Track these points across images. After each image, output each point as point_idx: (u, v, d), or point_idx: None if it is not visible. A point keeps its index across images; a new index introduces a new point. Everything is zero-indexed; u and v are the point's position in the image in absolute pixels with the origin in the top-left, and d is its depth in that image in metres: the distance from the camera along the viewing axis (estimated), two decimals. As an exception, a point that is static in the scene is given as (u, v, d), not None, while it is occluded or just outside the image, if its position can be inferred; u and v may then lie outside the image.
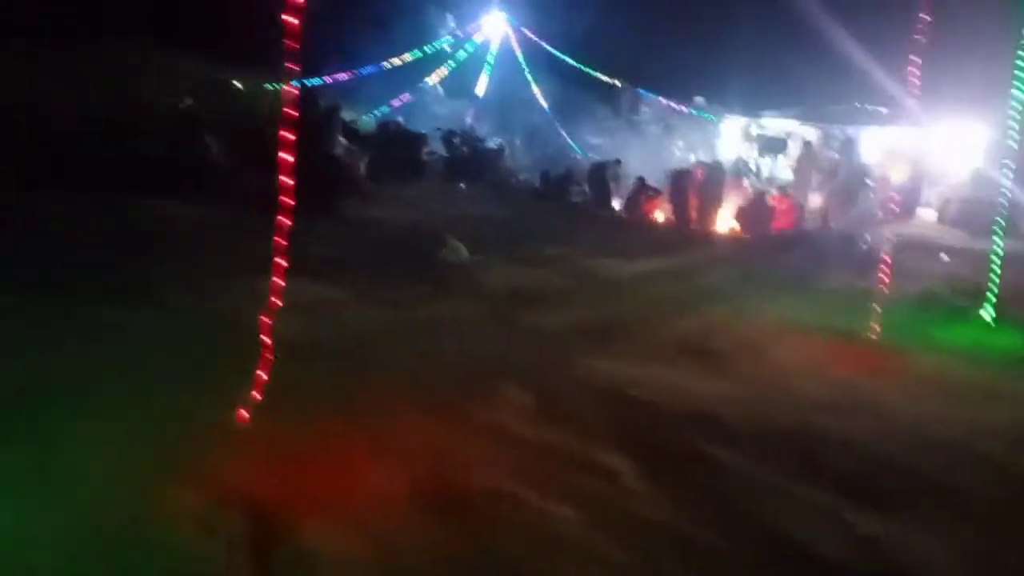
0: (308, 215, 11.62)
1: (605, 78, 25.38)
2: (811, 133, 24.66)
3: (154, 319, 5.96)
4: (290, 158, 4.16)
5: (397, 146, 17.76)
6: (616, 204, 15.45)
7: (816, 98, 24.61)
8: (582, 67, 25.16)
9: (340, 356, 5.64)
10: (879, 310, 7.27)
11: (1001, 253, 8.55)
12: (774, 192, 15.32)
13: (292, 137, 4.20)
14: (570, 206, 15.41)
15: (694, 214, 14.13)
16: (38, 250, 7.76)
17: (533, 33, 25.92)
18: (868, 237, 13.23)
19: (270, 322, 4.20)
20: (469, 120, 24.19)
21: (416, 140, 18.65)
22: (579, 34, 25.01)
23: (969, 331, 8.11)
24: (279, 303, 4.27)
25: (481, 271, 9.07)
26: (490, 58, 26.32)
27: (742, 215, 14.04)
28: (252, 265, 8.23)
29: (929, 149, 21.52)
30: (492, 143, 20.93)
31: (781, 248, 12.24)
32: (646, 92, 25.33)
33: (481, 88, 25.93)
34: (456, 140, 19.17)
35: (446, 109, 26.70)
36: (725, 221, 14.21)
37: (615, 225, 13.83)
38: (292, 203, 4.16)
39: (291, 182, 4.19)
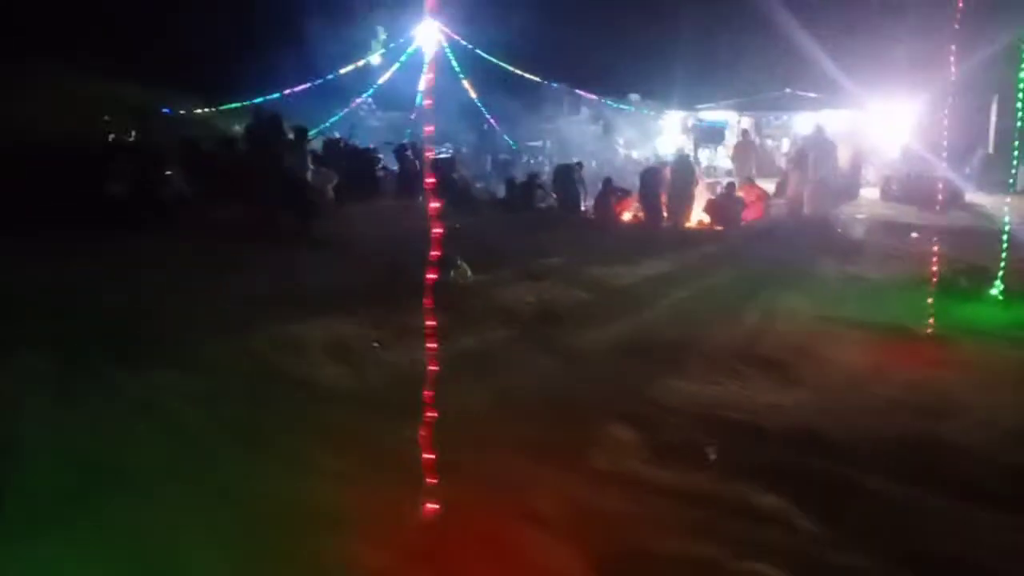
0: (288, 244, 11.22)
1: (541, 79, 25.18)
2: (746, 122, 25.00)
3: (193, 382, 5.35)
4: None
5: (351, 164, 17.14)
6: (583, 206, 15.18)
7: (750, 88, 24.92)
8: (518, 71, 24.91)
9: (407, 406, 5.14)
10: (930, 301, 7.05)
11: (1007, 231, 8.56)
12: (730, 182, 15.25)
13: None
14: (538, 212, 15.06)
15: (666, 211, 13.97)
16: (19, 300, 7.03)
17: (467, 40, 25.53)
18: (841, 221, 13.32)
19: (430, 394, 3.60)
20: (409, 131, 23.71)
21: (368, 156, 18.05)
22: (513, 37, 24.81)
23: (990, 310, 8.08)
24: (435, 367, 3.68)
25: (491, 291, 8.63)
26: (425, 67, 25.74)
27: (714, 209, 13.94)
28: (251, 301, 7.78)
29: (863, 130, 22.07)
30: (442, 153, 20.50)
31: (765, 239, 12.15)
32: (583, 92, 25.21)
33: (418, 98, 25.39)
34: (409, 153, 18.60)
35: (381, 122, 26.16)
36: (696, 215, 14.09)
37: (590, 228, 13.53)
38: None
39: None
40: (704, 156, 24.75)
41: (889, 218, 14.91)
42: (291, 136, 12.59)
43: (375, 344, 6.52)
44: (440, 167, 19.18)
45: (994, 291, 8.49)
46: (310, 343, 6.40)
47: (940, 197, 17.20)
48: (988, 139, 20.85)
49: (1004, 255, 8.50)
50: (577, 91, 25.10)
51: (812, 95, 24.00)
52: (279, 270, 9.12)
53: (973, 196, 18.22)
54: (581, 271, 9.72)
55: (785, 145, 24.67)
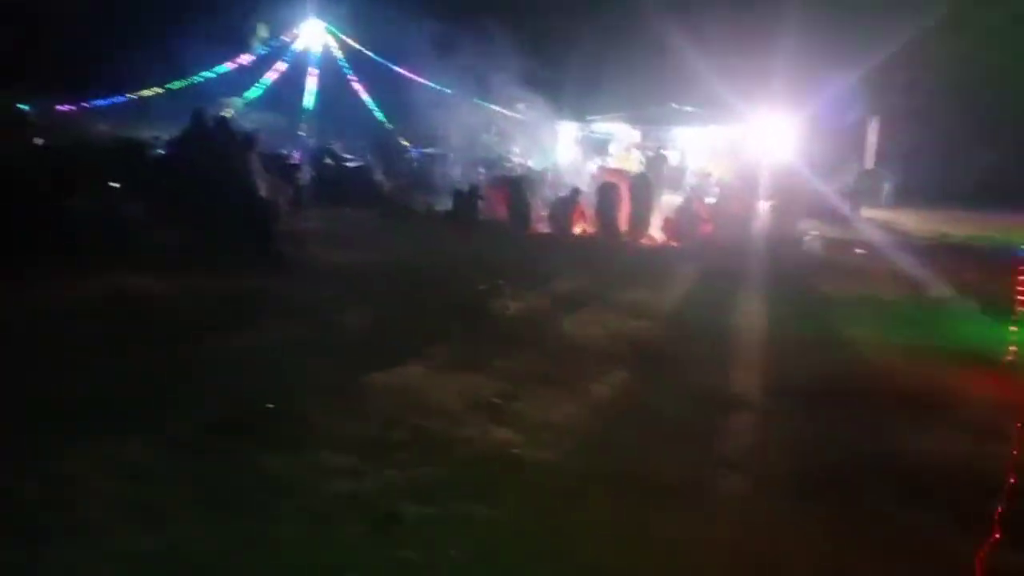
0: (258, 268, 9.72)
1: (436, 85, 24.25)
2: (635, 134, 25.26)
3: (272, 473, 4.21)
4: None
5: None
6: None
7: (638, 101, 25.20)
8: (411, 75, 23.90)
9: (619, 478, 4.32)
10: (1015, 330, 6.99)
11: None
12: (687, 198, 15.11)
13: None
14: (487, 226, 14.24)
15: (624, 226, 13.59)
16: None
17: (357, 42, 24.22)
18: (806, 238, 13.47)
19: None
20: (303, 135, 22.13)
21: (287, 163, 16.42)
22: (406, 42, 23.77)
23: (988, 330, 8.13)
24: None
25: (544, 322, 7.79)
26: (311, 68, 24.15)
27: (671, 224, 13.72)
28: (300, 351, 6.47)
29: (750, 144, 22.77)
30: (349, 160, 19.17)
31: (746, 257, 12.00)
32: (478, 99, 24.49)
33: (308, 100, 23.77)
34: (328, 160, 17.18)
35: (255, 124, 24.18)
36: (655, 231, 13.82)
37: (554, 244, 12.87)
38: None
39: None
40: (593, 166, 24.74)
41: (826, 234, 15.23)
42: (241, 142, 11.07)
43: (495, 400, 5.55)
44: (362, 175, 17.95)
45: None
46: (437, 402, 5.35)
47: (841, 212, 18.14)
48: (863, 156, 22.18)
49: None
50: (474, 99, 24.33)
51: (689, 109, 24.57)
52: (286, 311, 7.75)
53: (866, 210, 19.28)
54: (613, 296, 9.06)
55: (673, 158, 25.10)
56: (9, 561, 3.24)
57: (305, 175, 16.81)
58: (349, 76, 24.06)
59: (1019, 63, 23.03)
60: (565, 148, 24.95)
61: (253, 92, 23.26)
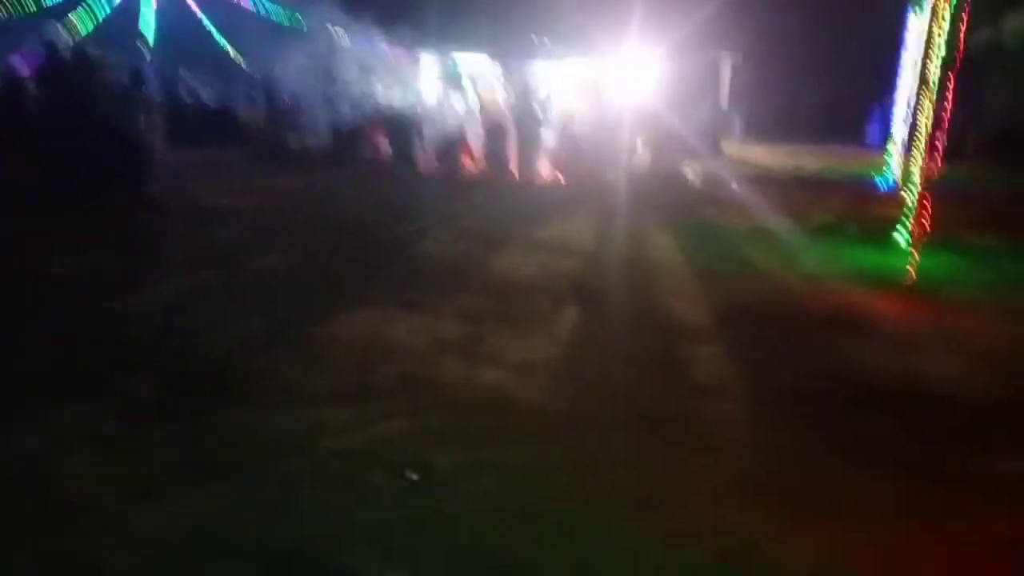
0: (139, 212, 8.87)
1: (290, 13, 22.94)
2: (496, 68, 24.97)
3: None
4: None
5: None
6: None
7: (501, 34, 24.85)
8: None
9: (611, 413, 4.32)
10: (915, 253, 7.48)
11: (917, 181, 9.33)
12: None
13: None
14: (372, 166, 13.77)
15: (513, 164, 13.50)
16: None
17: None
18: (689, 173, 13.88)
19: None
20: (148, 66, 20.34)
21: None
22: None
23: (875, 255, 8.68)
24: None
25: (473, 263, 7.62)
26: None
27: (556, 161, 13.75)
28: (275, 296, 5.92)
29: (611, 80, 23.05)
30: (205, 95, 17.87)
31: (634, 193, 12.23)
32: (338, 32, 23.34)
33: (149, 32, 21.86)
34: (183, 94, 15.88)
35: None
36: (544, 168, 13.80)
37: (447, 184, 12.61)
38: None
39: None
40: (456, 101, 24.32)
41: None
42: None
43: (464, 341, 5.39)
44: (221, 112, 16.76)
45: (900, 239, 9.29)
46: (402, 346, 5.14)
47: (704, 148, 18.84)
48: (721, 93, 23.04)
49: (911, 204, 9.29)
50: (334, 32, 23.15)
51: (548, 42, 24.52)
52: (195, 258, 7.17)
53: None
54: (524, 233, 9.00)
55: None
56: (8, 560, 2.80)
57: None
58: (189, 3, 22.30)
59: (853, 10, 24.61)
60: (428, 83, 24.37)
61: (84, 21, 21.11)
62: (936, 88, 9.81)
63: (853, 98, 24.58)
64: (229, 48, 22.18)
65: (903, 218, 9.35)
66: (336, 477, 3.45)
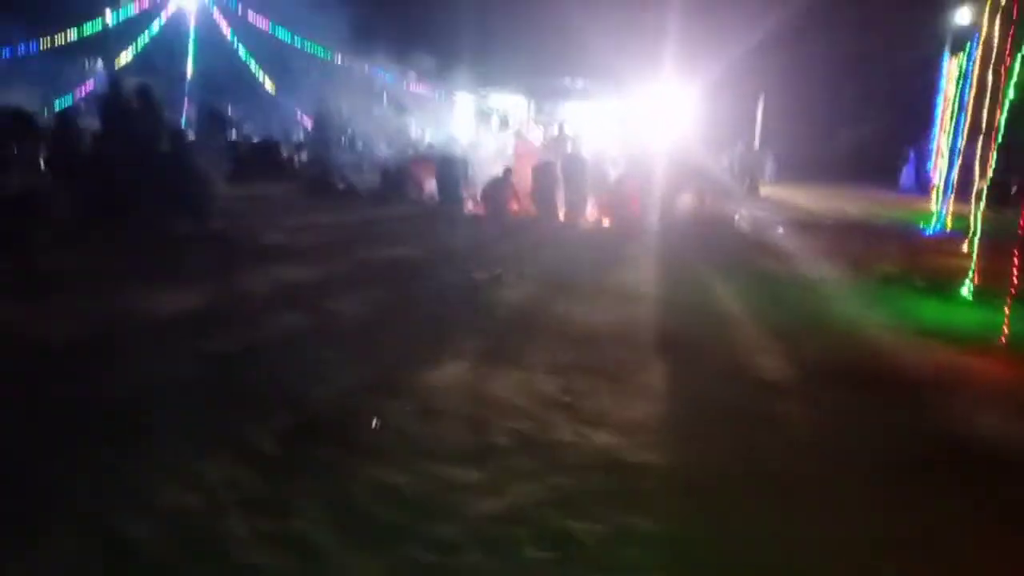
0: (200, 251, 8.94)
1: (328, 55, 23.27)
2: (528, 108, 25.23)
3: None
4: None
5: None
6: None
7: (533, 74, 25.15)
8: (302, 46, 22.84)
9: (731, 475, 4.28)
10: (1007, 311, 7.35)
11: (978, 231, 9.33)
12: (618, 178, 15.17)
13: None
14: (418, 206, 13.86)
15: (561, 207, 13.57)
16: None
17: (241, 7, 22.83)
18: (735, 218, 13.90)
19: None
20: (186, 109, 20.67)
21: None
22: (294, 8, 22.62)
23: (976, 313, 8.66)
24: None
25: (547, 310, 7.63)
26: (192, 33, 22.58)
27: (606, 206, 13.80)
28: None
29: (646, 122, 23.20)
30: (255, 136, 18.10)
31: (686, 238, 12.26)
32: (375, 69, 23.67)
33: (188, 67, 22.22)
34: (235, 133, 16.11)
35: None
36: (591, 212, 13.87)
37: (498, 226, 12.65)
38: None
39: None
40: (492, 142, 24.56)
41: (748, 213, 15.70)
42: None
43: (565, 398, 5.38)
44: (267, 149, 16.96)
45: (964, 290, 9.24)
46: (504, 401, 5.12)
47: (741, 190, 18.87)
48: (754, 133, 23.22)
49: (975, 253, 9.27)
50: (369, 68, 23.50)
51: (578, 83, 24.78)
52: (271, 299, 7.23)
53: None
54: (589, 279, 9.02)
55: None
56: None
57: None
58: (230, 40, 22.66)
59: (880, 51, 24.81)
60: (463, 122, 24.63)
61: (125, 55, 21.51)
62: (997, 134, 9.83)
63: (885, 140, 24.71)
64: (266, 80, 22.50)
65: (970, 270, 9.32)
66: (488, 544, 3.42)
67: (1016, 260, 7.39)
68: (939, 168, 18.35)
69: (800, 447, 4.74)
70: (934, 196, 17.52)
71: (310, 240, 9.80)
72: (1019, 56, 9.16)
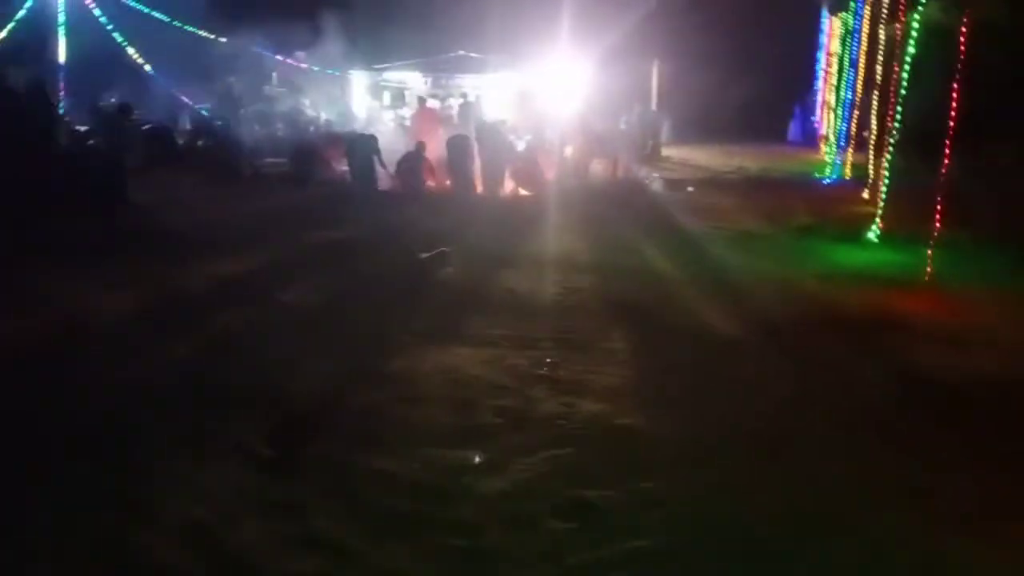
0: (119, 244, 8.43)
1: (209, 34, 22.22)
2: (424, 83, 24.89)
3: None
4: None
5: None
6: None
7: (427, 49, 24.78)
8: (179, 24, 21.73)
9: (719, 438, 4.43)
10: (930, 253, 7.73)
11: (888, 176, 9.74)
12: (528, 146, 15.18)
13: None
14: (333, 187, 13.52)
15: (478, 179, 13.50)
16: None
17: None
18: (648, 180, 14.17)
19: None
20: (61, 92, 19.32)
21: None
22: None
23: (886, 255, 9.10)
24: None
25: (494, 284, 7.61)
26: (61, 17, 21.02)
27: (520, 175, 13.82)
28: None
29: (545, 91, 23.25)
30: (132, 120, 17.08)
31: (606, 202, 12.44)
32: (263, 50, 22.78)
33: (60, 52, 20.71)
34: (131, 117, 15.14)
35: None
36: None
37: (418, 202, 12.47)
38: None
39: None
40: (389, 118, 24.14)
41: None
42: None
43: (543, 372, 5.41)
44: (160, 134, 16.10)
45: (871, 235, 9.73)
46: (485, 379, 5.11)
47: (645, 151, 19.21)
48: (651, 98, 23.64)
49: (884, 198, 9.72)
50: (256, 49, 22.58)
51: (476, 55, 24.61)
52: (216, 292, 6.96)
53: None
54: (525, 250, 9.06)
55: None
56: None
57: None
58: (104, 22, 21.25)
59: (763, 13, 25.62)
60: (359, 99, 24.06)
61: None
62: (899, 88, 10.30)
63: (771, 97, 25.57)
64: (147, 65, 21.25)
65: (876, 217, 9.81)
66: (509, 522, 3.42)
67: (938, 205, 7.79)
68: (827, 120, 19.28)
69: (777, 403, 4.89)
70: (823, 147, 18.40)
71: (234, 230, 9.41)
72: (913, 15, 9.67)
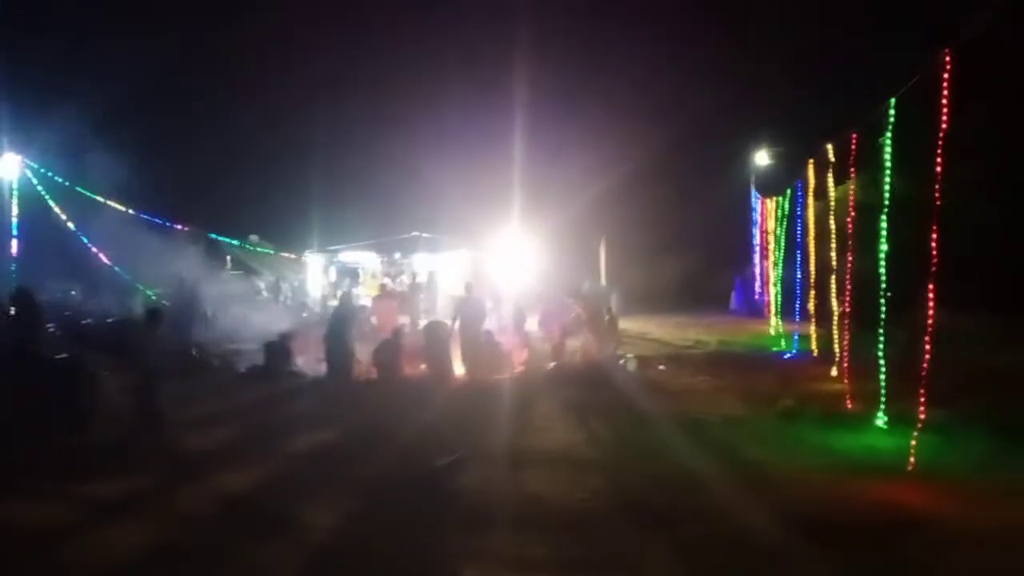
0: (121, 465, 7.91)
1: (164, 222, 22.29)
2: (376, 261, 25.31)
3: None
4: None
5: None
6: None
7: (381, 229, 25.42)
8: (135, 211, 21.78)
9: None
10: (914, 440, 7.94)
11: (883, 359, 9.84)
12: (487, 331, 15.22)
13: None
14: (308, 380, 13.26)
15: (458, 364, 13.46)
16: None
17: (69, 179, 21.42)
18: (623, 361, 14.31)
19: None
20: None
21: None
22: (127, 179, 21.74)
23: (893, 441, 9.10)
24: None
25: (515, 492, 7.40)
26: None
27: (474, 360, 13.68)
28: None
29: (496, 268, 23.82)
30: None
31: (585, 385, 12.48)
32: (217, 236, 22.90)
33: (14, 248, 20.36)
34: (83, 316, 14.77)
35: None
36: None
37: (401, 393, 12.26)
38: None
39: None
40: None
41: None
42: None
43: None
44: (124, 331, 15.63)
45: (879, 422, 9.41)
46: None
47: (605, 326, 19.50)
48: (600, 271, 24.45)
49: (883, 381, 9.71)
50: (212, 235, 22.69)
51: (426, 235, 25.29)
52: (230, 524, 6.54)
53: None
54: (527, 444, 8.93)
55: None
56: None
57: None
58: (60, 216, 21.11)
59: (696, 193, 27.35)
60: (315, 279, 24.19)
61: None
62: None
63: (706, 268, 26.81)
64: (103, 257, 21.01)
65: (881, 397, 9.71)
66: None
67: (922, 387, 8.03)
68: (771, 294, 20.09)
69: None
70: (773, 319, 19.05)
71: (221, 434, 9.02)
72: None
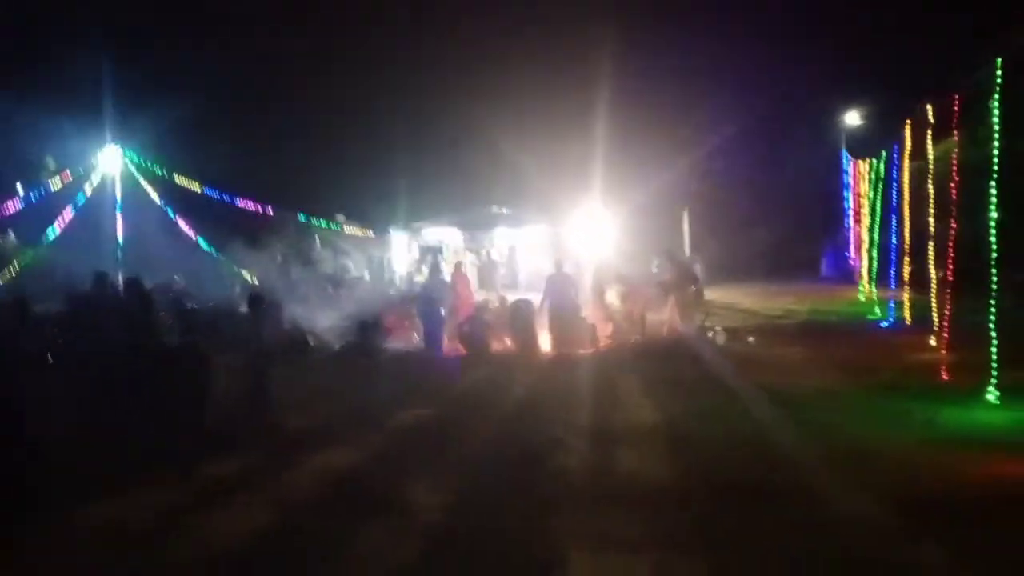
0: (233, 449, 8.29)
1: (256, 206, 23.02)
2: (459, 238, 25.60)
3: None
4: None
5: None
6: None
7: (461, 206, 25.64)
8: (229, 198, 22.54)
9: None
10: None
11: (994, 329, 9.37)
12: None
13: None
14: (407, 355, 13.61)
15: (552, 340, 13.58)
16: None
17: (163, 166, 22.34)
18: (711, 333, 14.17)
19: None
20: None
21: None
22: (214, 164, 22.54)
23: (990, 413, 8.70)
24: None
25: (618, 469, 7.47)
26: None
27: (561, 335, 13.74)
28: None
29: (577, 242, 23.70)
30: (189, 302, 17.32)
31: (672, 358, 12.40)
32: (304, 217, 23.54)
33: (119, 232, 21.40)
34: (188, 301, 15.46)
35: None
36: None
37: (492, 368, 12.47)
38: None
39: None
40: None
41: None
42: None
43: None
44: (229, 315, 16.30)
45: (990, 396, 8.86)
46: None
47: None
48: (683, 243, 24.15)
49: (995, 354, 8.90)
50: (301, 215, 23.33)
51: (504, 210, 25.35)
52: (348, 503, 6.81)
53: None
54: (617, 421, 8.97)
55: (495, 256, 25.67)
56: None
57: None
58: (160, 204, 22.06)
59: (786, 155, 26.58)
60: (400, 256, 24.68)
61: (52, 231, 20.56)
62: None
63: (795, 234, 26.13)
64: (203, 242, 21.91)
65: (992, 369, 9.23)
66: None
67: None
68: (864, 260, 19.46)
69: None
70: (867, 285, 18.47)
71: (324, 413, 9.35)
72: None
